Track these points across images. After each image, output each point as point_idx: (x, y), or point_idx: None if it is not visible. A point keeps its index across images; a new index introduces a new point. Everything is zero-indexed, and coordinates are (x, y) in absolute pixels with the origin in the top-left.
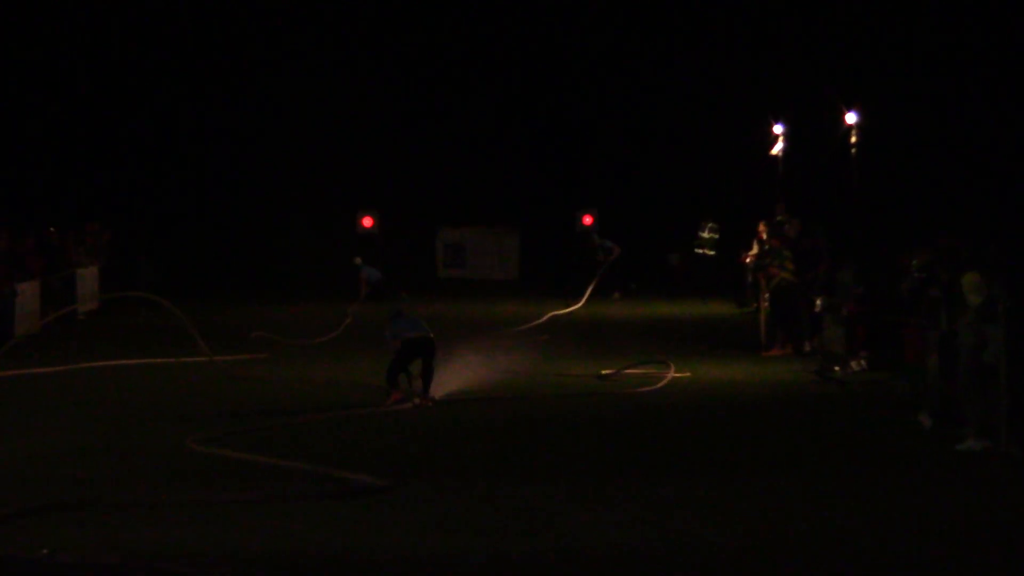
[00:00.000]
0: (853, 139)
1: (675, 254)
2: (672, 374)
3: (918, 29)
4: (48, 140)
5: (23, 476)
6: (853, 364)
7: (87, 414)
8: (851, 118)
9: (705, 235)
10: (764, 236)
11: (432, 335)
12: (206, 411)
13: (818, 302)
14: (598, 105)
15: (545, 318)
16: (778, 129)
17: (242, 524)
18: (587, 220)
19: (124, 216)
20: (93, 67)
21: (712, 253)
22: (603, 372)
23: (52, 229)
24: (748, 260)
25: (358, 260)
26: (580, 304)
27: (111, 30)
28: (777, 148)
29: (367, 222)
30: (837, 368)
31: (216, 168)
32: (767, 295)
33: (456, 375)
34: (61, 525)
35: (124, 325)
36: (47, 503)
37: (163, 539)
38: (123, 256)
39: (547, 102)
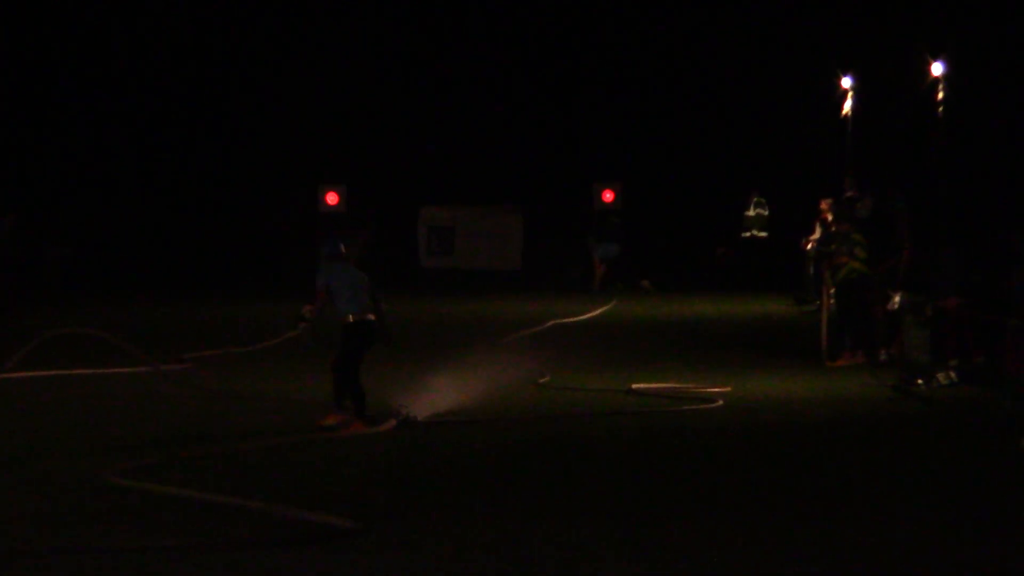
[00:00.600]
0: (940, 95)
1: (721, 248)
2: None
3: None
4: None
5: None
6: (941, 376)
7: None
8: (937, 69)
9: (751, 213)
10: (829, 217)
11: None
12: (131, 435)
13: (896, 298)
14: (622, 54)
15: (549, 324)
16: (846, 83)
17: None
18: (607, 196)
19: (31, 199)
20: None
21: (763, 235)
22: (633, 386)
23: None
24: (809, 246)
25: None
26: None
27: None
28: (846, 107)
29: (332, 199)
30: (921, 381)
31: (142, 139)
32: (833, 290)
33: (444, 391)
34: None
35: (31, 328)
36: None
37: None
38: (28, 244)
39: (557, 48)
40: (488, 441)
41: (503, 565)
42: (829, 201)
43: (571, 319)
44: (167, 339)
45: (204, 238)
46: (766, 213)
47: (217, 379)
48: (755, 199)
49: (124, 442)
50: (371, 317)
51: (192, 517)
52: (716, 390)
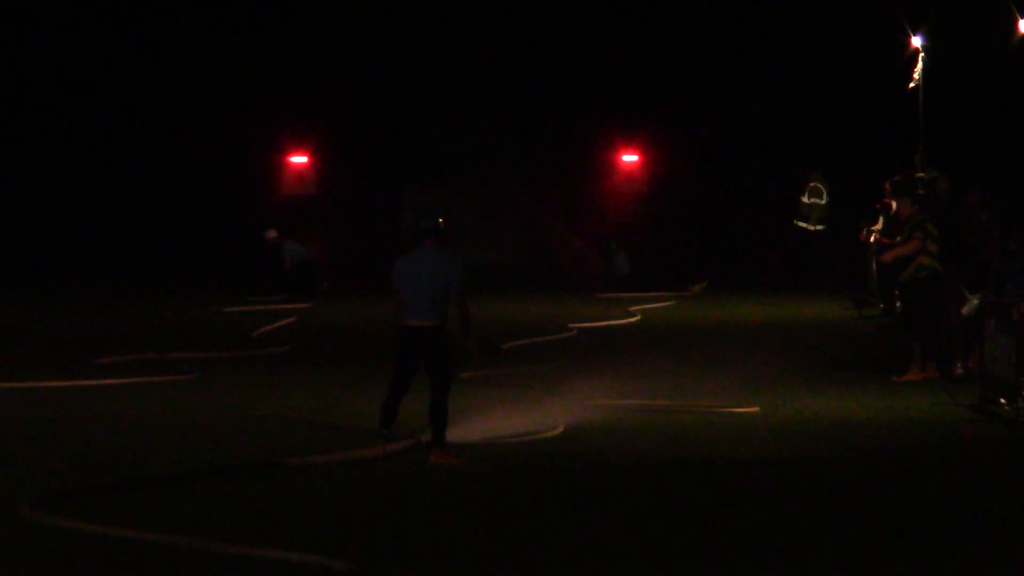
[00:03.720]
0: None
1: (775, 256)
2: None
3: None
4: None
5: None
6: None
7: None
8: None
9: (807, 199)
10: (895, 207)
11: (440, 323)
12: (56, 459)
13: (974, 301)
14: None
15: (575, 330)
16: (917, 42)
17: None
18: (629, 160)
19: None
20: None
21: (820, 228)
22: (661, 401)
23: None
24: (872, 239)
25: (272, 233)
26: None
27: None
28: (916, 71)
29: (298, 163)
30: (1004, 400)
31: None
32: (900, 291)
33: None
34: None
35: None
36: None
37: None
38: None
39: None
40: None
41: None
42: (894, 182)
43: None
44: (86, 345)
45: (130, 224)
46: (823, 202)
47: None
48: (811, 184)
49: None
50: (439, 324)
51: (135, 561)
52: (740, 410)
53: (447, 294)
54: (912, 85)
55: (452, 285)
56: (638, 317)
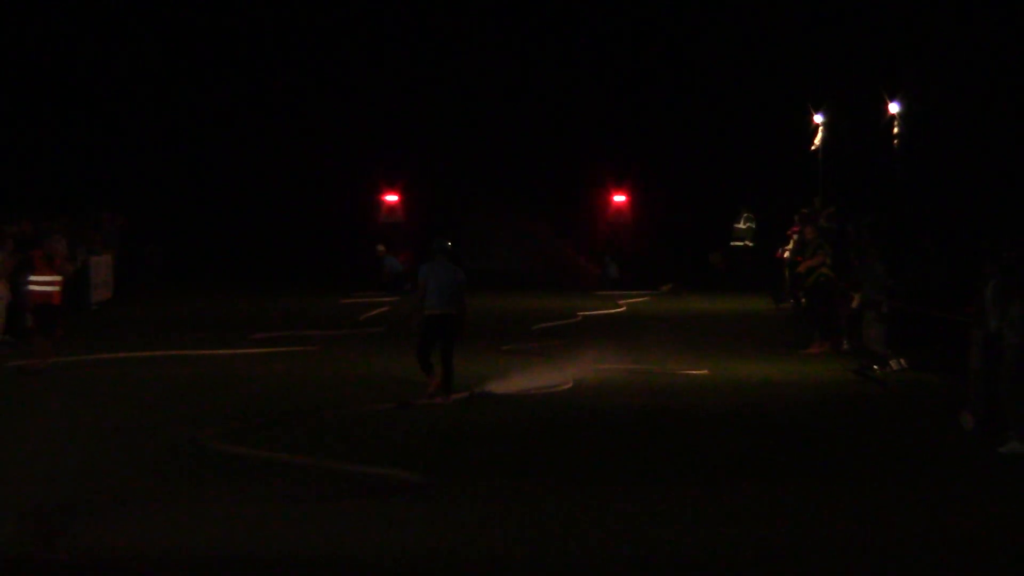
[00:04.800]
0: (896, 129)
1: (716, 252)
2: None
3: (965, 13)
4: (60, 130)
5: (33, 471)
6: (893, 363)
7: (102, 407)
8: (894, 108)
9: (742, 226)
10: (801, 232)
11: (455, 312)
12: (224, 405)
13: (856, 298)
14: (628, 88)
15: (579, 317)
16: (818, 119)
17: (265, 525)
18: (618, 199)
19: (136, 205)
20: (102, 55)
21: (751, 244)
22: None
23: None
24: (785, 255)
25: (381, 248)
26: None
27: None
28: (817, 139)
29: (391, 199)
30: (877, 367)
31: (226, 154)
32: (804, 291)
33: (490, 371)
34: (69, 522)
35: (137, 316)
36: (57, 501)
37: (178, 542)
38: (134, 244)
39: (574, 86)
40: (532, 412)
41: (529, 513)
42: (803, 215)
43: (603, 312)
44: (241, 325)
45: (282, 238)
46: (753, 227)
47: (299, 360)
48: (744, 215)
49: (219, 410)
50: (455, 313)
51: (277, 475)
52: (695, 372)
53: (459, 291)
54: (814, 147)
55: (461, 285)
56: (624, 308)
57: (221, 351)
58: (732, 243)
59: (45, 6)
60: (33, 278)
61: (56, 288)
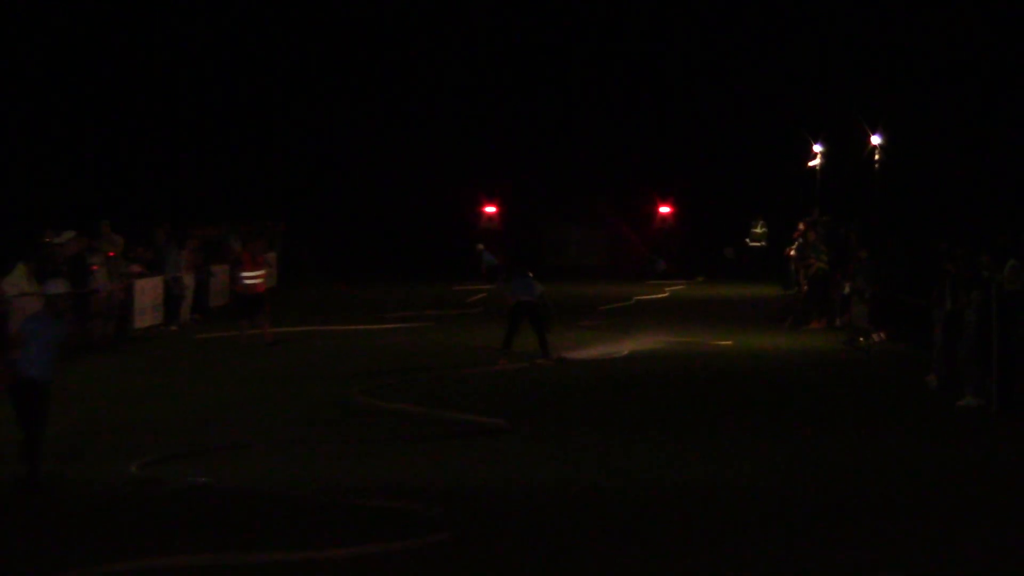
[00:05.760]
0: (877, 156)
1: (729, 248)
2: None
3: (932, 70)
4: (235, 152)
5: (217, 419)
6: (875, 336)
7: (270, 369)
8: (876, 139)
9: (758, 230)
10: (804, 234)
11: (540, 300)
12: (363, 367)
13: (847, 286)
14: (672, 125)
15: (634, 300)
16: (817, 148)
17: (393, 461)
18: (664, 211)
19: (292, 214)
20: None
21: (764, 244)
22: (677, 338)
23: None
24: (792, 253)
25: (480, 246)
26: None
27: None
28: (814, 162)
29: (490, 210)
30: (862, 339)
31: (363, 172)
32: (807, 280)
33: (569, 342)
34: (236, 459)
35: (296, 301)
36: (233, 442)
37: (324, 474)
38: (291, 245)
39: (631, 125)
40: (602, 373)
41: (585, 451)
42: (804, 222)
43: (651, 297)
44: (375, 306)
45: (399, 240)
46: (766, 230)
47: (421, 334)
48: (760, 221)
49: (367, 372)
50: (539, 301)
51: (406, 422)
52: (722, 343)
53: (534, 286)
54: (813, 167)
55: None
56: (668, 294)
57: (361, 326)
58: (750, 243)
59: (194, 28)
60: (244, 273)
61: (261, 280)
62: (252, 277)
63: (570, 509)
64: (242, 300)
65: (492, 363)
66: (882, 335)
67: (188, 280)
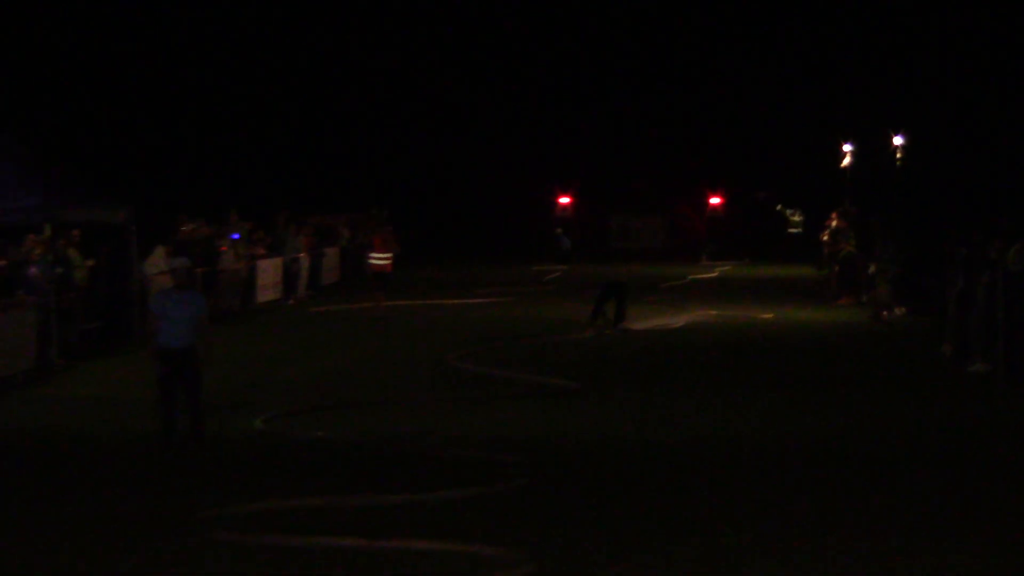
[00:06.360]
0: (899, 155)
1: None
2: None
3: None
4: (345, 147)
5: (330, 380)
6: (897, 311)
7: (374, 338)
8: (898, 140)
9: (796, 218)
10: (835, 222)
11: (624, 280)
12: (458, 336)
13: (872, 267)
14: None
15: (688, 279)
16: (847, 147)
17: (479, 418)
18: (714, 201)
19: (395, 201)
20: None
21: (801, 231)
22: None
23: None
24: (825, 238)
25: (559, 230)
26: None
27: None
28: (845, 161)
29: (564, 200)
30: (885, 313)
31: (459, 164)
32: (838, 262)
33: (633, 313)
34: (351, 416)
35: (401, 279)
36: (344, 400)
37: (418, 430)
38: (395, 228)
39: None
40: (666, 341)
41: (650, 409)
42: (836, 212)
43: (703, 276)
44: (467, 283)
45: (488, 226)
46: (803, 219)
47: (510, 308)
48: (798, 211)
49: (461, 339)
50: (623, 281)
51: (492, 384)
52: (764, 316)
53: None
54: (844, 165)
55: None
56: (717, 273)
57: (454, 301)
58: (789, 230)
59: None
60: (373, 255)
61: (388, 261)
62: (380, 258)
63: (632, 461)
64: (372, 277)
65: (566, 332)
66: (903, 310)
67: (304, 260)
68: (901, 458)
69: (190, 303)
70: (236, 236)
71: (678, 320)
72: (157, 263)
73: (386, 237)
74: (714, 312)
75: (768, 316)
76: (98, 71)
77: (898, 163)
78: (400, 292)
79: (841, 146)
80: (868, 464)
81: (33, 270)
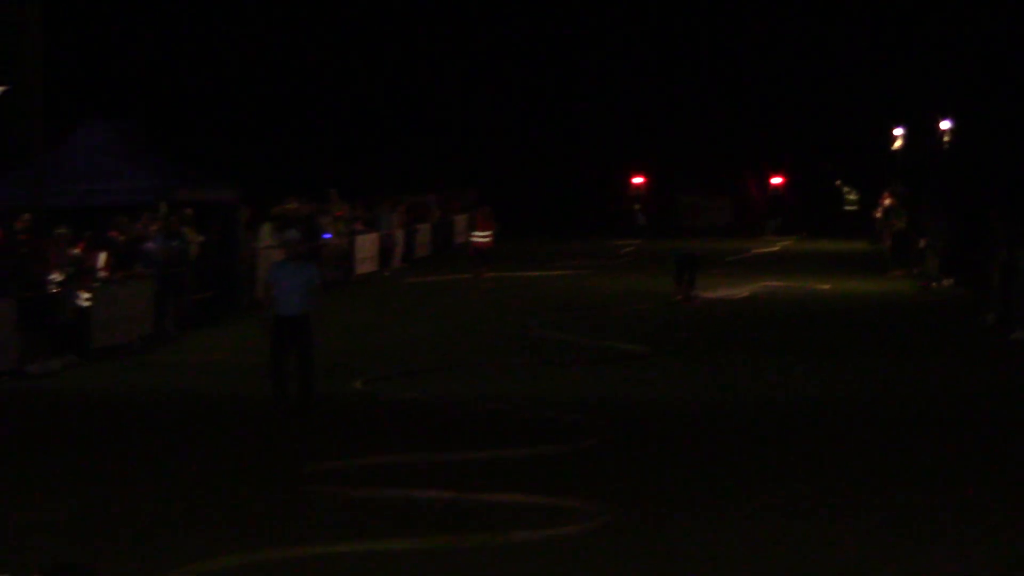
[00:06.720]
0: (946, 138)
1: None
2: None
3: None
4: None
5: (422, 346)
6: (944, 282)
7: (468, 306)
8: (945, 124)
9: (852, 197)
10: (887, 200)
11: (698, 253)
12: (545, 305)
13: (922, 241)
14: (785, 111)
15: (752, 253)
16: (898, 131)
17: (556, 380)
18: (776, 181)
19: (483, 181)
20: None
21: (857, 208)
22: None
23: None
24: (878, 215)
25: (637, 207)
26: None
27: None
28: (897, 144)
29: (638, 180)
30: (934, 284)
31: (547, 148)
32: (890, 237)
33: (703, 284)
34: (441, 379)
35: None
36: (435, 364)
37: (495, 391)
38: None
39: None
40: (735, 309)
41: (715, 373)
42: (888, 191)
43: (765, 250)
44: (551, 256)
45: (571, 204)
46: (858, 197)
47: (589, 279)
48: (853, 190)
49: (544, 308)
50: (696, 253)
51: (571, 349)
52: (822, 287)
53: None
54: (895, 148)
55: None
56: (779, 248)
57: (536, 273)
58: (845, 207)
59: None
60: (475, 232)
61: (489, 238)
62: (481, 236)
63: (695, 420)
64: (473, 254)
65: (638, 302)
66: (950, 281)
67: (398, 235)
68: (947, 419)
69: (301, 272)
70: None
71: (742, 290)
72: (264, 238)
73: (486, 216)
74: (776, 283)
75: (826, 287)
76: (209, 62)
77: (945, 146)
78: (489, 266)
79: (892, 130)
80: (918, 424)
81: (150, 245)
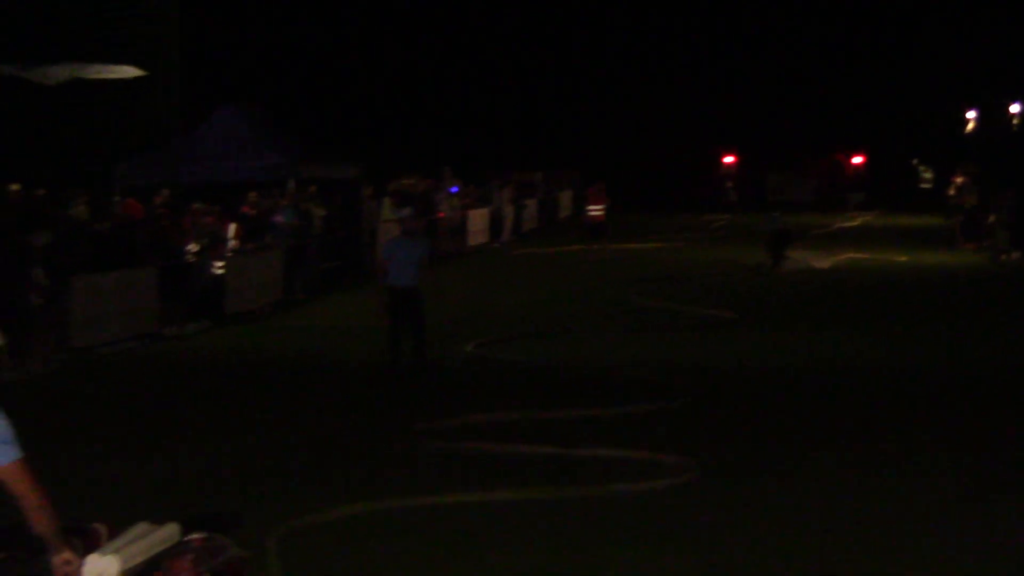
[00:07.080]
0: (1015, 120)
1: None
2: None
3: None
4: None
5: (528, 312)
6: (1013, 255)
7: (572, 276)
8: (1015, 108)
9: (927, 175)
10: (960, 179)
11: (789, 228)
12: (643, 275)
13: (992, 217)
14: (866, 97)
15: (834, 227)
16: (971, 114)
17: (653, 347)
18: (857, 160)
19: (578, 164)
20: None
21: (931, 186)
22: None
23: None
24: (951, 192)
25: (730, 184)
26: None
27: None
28: (969, 126)
29: (728, 160)
30: (1003, 256)
31: (647, 131)
32: (962, 213)
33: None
34: (545, 343)
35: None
36: (540, 330)
37: (580, 356)
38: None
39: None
40: (819, 280)
41: (789, 339)
42: (960, 170)
43: (846, 225)
44: (647, 231)
45: (668, 182)
46: (933, 176)
47: (682, 252)
48: (928, 169)
49: (642, 278)
50: (788, 228)
51: (660, 314)
52: (900, 259)
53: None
54: (968, 131)
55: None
56: (859, 222)
57: (637, 245)
58: (921, 185)
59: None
60: (589, 207)
61: (602, 213)
62: (595, 210)
63: (779, 383)
64: (587, 227)
65: (730, 272)
66: (1018, 253)
67: (508, 210)
68: (1012, 381)
69: (415, 247)
70: (455, 189)
71: (825, 262)
72: (384, 214)
73: (599, 191)
74: (857, 255)
75: (903, 259)
76: (336, 48)
77: (1014, 128)
78: (592, 238)
79: (965, 113)
80: (991, 391)
81: (279, 218)
